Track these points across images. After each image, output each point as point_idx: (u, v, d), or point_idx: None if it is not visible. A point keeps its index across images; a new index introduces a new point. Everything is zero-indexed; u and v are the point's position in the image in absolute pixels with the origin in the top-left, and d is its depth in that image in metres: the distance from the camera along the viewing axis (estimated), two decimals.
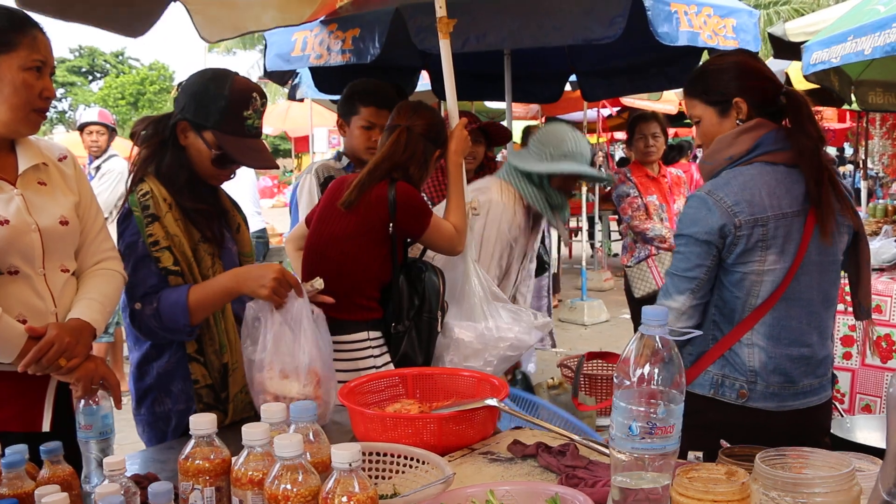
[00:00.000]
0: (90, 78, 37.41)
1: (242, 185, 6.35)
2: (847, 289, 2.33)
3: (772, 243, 2.06)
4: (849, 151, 15.79)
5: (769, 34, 5.43)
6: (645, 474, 1.27)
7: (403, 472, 1.62)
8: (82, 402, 1.74)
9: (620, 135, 13.95)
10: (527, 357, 3.64)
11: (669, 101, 10.46)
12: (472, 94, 6.51)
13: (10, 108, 1.90)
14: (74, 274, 2.06)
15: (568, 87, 6.17)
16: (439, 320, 2.74)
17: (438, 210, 2.86)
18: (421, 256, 2.92)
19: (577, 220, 10.90)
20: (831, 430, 2.35)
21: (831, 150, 17.61)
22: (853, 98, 6.16)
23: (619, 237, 6.25)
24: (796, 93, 2.18)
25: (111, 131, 5.82)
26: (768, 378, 2.09)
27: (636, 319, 5.00)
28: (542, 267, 4.21)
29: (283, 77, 4.98)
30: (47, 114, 2.04)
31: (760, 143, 2.10)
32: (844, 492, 1.19)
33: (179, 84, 2.30)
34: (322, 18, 3.98)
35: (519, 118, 10.93)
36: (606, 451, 1.66)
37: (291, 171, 21.84)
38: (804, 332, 2.12)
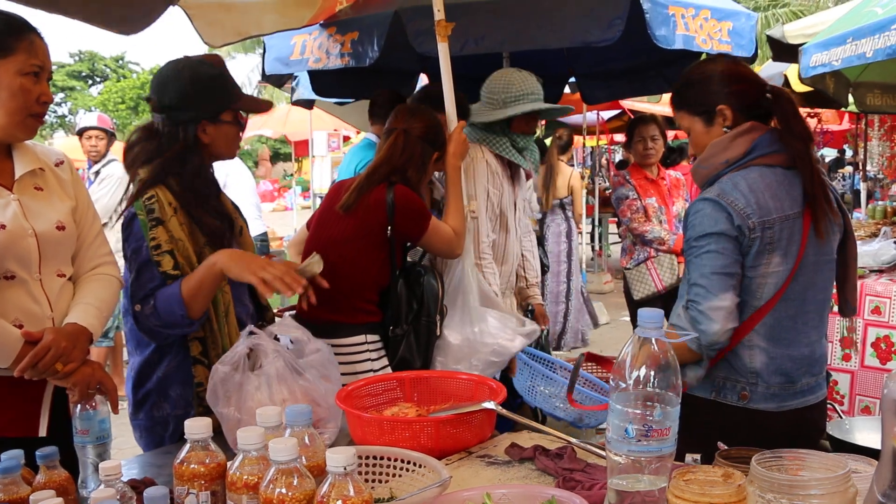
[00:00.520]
0: (90, 82, 37.38)
1: (243, 190, 6.35)
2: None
3: (777, 245, 2.05)
4: (849, 153, 15.79)
5: (768, 36, 5.42)
6: (641, 477, 1.27)
7: (400, 476, 1.62)
8: (79, 406, 1.74)
9: (620, 137, 13.97)
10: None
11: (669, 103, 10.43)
12: (471, 97, 6.50)
13: (6, 113, 1.90)
14: (71, 279, 2.06)
15: (567, 90, 6.17)
16: (438, 325, 2.74)
17: None
18: (421, 260, 2.92)
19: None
20: (830, 432, 2.34)
21: (831, 152, 17.62)
22: (850, 100, 6.16)
23: (619, 239, 6.25)
24: (781, 91, 2.18)
25: (110, 136, 5.82)
26: (769, 379, 2.09)
27: (636, 322, 4.99)
28: (541, 269, 4.21)
29: (280, 80, 4.98)
30: (46, 118, 2.04)
31: (756, 145, 2.10)
32: (840, 493, 1.19)
33: (150, 98, 2.25)
34: (322, 22, 3.98)
35: None
36: (604, 453, 1.66)
37: (292, 174, 21.82)
38: (803, 331, 2.13)
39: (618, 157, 16.93)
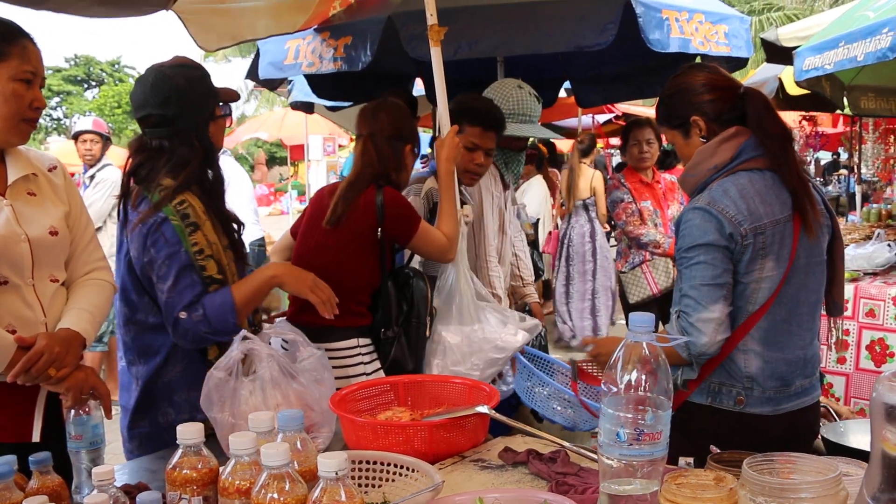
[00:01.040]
0: (86, 86, 37.33)
1: (241, 195, 6.33)
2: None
3: (770, 250, 2.05)
4: (844, 156, 15.83)
5: (762, 39, 5.45)
6: (633, 480, 1.27)
7: (393, 481, 1.62)
8: (72, 412, 1.74)
9: (616, 140, 13.98)
10: None
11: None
12: None
13: None
14: (64, 284, 2.06)
15: (563, 94, 6.18)
16: (427, 326, 2.74)
17: None
18: (408, 263, 2.92)
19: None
20: (825, 435, 2.35)
21: (827, 155, 17.65)
22: (845, 103, 6.18)
23: (614, 243, 6.26)
24: (752, 91, 2.18)
25: (105, 140, 5.81)
26: (765, 383, 2.09)
27: None
28: (535, 273, 4.21)
29: (273, 84, 4.98)
30: (41, 122, 2.05)
31: (742, 150, 2.10)
32: (831, 496, 1.19)
33: (150, 115, 2.23)
34: (315, 27, 3.99)
35: None
36: (597, 457, 1.66)
37: (287, 178, 21.81)
38: (797, 333, 2.13)
39: (616, 160, 16.92)
